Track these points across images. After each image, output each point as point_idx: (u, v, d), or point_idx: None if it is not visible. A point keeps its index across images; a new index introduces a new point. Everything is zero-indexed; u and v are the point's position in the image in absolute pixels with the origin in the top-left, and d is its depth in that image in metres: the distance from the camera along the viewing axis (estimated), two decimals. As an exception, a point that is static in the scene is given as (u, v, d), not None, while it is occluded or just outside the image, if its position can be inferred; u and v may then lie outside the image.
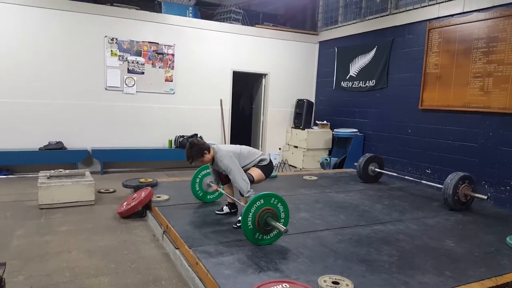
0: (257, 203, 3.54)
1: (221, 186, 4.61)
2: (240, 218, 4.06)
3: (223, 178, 4.42)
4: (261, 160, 4.32)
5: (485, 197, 5.09)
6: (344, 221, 4.51)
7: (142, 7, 8.01)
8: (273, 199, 3.64)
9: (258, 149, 9.38)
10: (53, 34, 7.05)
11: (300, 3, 9.63)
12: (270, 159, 4.42)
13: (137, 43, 7.71)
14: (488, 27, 5.81)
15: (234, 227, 4.03)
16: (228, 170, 4.01)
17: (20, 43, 6.83)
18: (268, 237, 3.65)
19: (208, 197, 5.00)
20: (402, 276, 3.11)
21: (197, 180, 4.89)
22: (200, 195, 4.95)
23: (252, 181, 4.05)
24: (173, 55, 8.05)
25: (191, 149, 4.05)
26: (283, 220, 3.70)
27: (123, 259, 3.64)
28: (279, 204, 3.67)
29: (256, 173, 4.21)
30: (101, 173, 7.35)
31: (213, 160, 4.18)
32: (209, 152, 4.10)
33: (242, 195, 3.96)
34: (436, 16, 6.58)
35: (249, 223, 3.53)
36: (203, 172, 4.89)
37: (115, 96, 7.65)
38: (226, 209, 4.53)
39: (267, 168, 4.33)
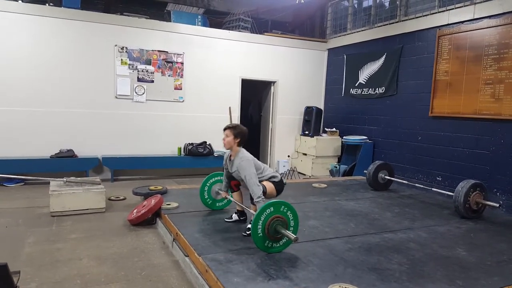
0: (267, 211, 3.54)
1: (230, 193, 4.62)
2: (249, 225, 4.07)
3: (233, 186, 4.43)
4: (273, 177, 4.25)
5: (497, 205, 5.03)
6: (354, 229, 4.48)
7: (152, 16, 8.11)
8: (282, 207, 3.64)
9: (267, 156, 9.42)
10: (64, 43, 7.16)
11: (309, 10, 9.67)
12: (281, 178, 4.36)
13: (147, 51, 7.79)
14: (499, 33, 5.78)
15: (244, 235, 4.03)
16: (244, 172, 3.99)
17: (31, 53, 6.95)
18: (278, 245, 3.65)
19: (217, 204, 5.01)
20: (412, 285, 3.08)
21: (206, 188, 4.90)
22: (209, 202, 4.96)
23: (264, 192, 4.01)
24: (182, 63, 8.12)
25: (236, 126, 4.23)
26: (292, 228, 3.69)
27: (133, 266, 3.66)
28: (289, 212, 3.67)
29: (269, 186, 4.14)
30: (111, 181, 7.41)
31: (230, 157, 4.24)
32: (238, 142, 4.14)
33: (252, 203, 3.96)
34: (446, 23, 6.56)
35: (259, 230, 3.53)
36: (211, 180, 4.91)
37: (125, 104, 7.73)
38: (235, 216, 4.54)
39: (278, 185, 4.26)
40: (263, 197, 3.90)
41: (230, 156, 4.27)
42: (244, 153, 4.16)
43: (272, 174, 4.27)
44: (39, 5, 7.07)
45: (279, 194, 4.28)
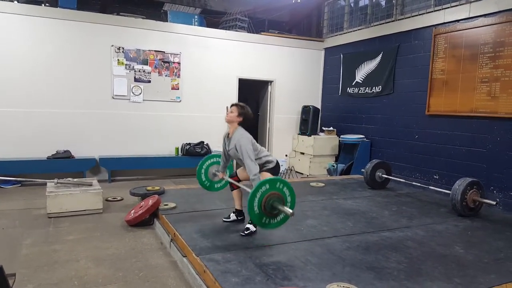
0: (262, 188, 3.50)
1: (227, 173, 4.59)
2: (247, 225, 4.09)
3: (233, 185, 4.42)
4: (267, 162, 4.23)
5: (494, 203, 5.04)
6: (352, 228, 4.49)
7: (148, 16, 8.10)
8: (278, 183, 3.59)
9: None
10: (60, 44, 7.14)
11: (306, 10, 9.68)
12: (276, 160, 4.35)
13: (144, 51, 7.77)
14: (495, 32, 5.80)
15: (242, 235, 4.03)
16: (241, 148, 3.99)
17: (27, 54, 6.92)
18: (275, 221, 3.62)
19: (215, 186, 4.92)
20: (410, 283, 3.09)
21: (203, 171, 4.82)
22: (207, 185, 4.86)
23: None
24: (179, 63, 8.11)
25: (244, 106, 4.26)
26: (289, 204, 3.64)
27: (131, 267, 3.65)
28: (285, 188, 3.62)
29: (265, 175, 4.12)
30: (108, 181, 7.39)
31: (228, 135, 4.26)
32: (240, 121, 4.17)
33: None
34: (442, 22, 6.58)
35: (256, 207, 3.49)
36: (208, 162, 4.81)
37: (122, 104, 7.71)
38: (233, 216, 4.53)
39: (274, 171, 4.27)
40: (259, 175, 3.89)
41: (228, 134, 4.28)
42: (243, 131, 4.18)
43: (268, 158, 4.26)
44: (35, 6, 7.04)
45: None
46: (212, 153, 8.07)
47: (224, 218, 4.56)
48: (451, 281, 3.16)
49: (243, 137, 4.08)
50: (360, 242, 4.01)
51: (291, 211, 3.47)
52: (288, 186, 3.66)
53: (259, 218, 3.55)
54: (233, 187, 4.47)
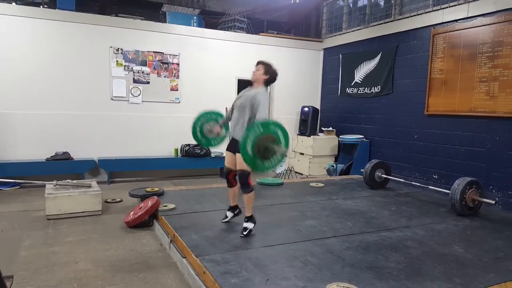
0: (256, 130, 3.46)
1: (225, 127, 4.58)
2: (245, 225, 4.07)
3: (231, 180, 4.38)
4: None
5: (493, 202, 5.04)
6: (351, 228, 4.48)
7: (147, 18, 8.09)
8: (272, 126, 3.56)
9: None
10: (59, 45, 7.14)
11: (304, 10, 9.67)
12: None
13: (142, 53, 7.77)
14: (493, 31, 5.81)
15: (241, 236, 4.01)
16: (258, 103, 3.93)
17: (26, 55, 6.92)
18: (269, 164, 3.59)
19: (213, 142, 4.89)
20: (410, 283, 3.09)
21: (198, 129, 4.79)
22: (204, 141, 4.85)
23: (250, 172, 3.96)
24: (178, 64, 8.11)
25: (271, 65, 4.25)
26: (283, 145, 3.60)
27: (130, 269, 3.65)
28: (279, 130, 3.58)
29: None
30: (107, 183, 7.38)
31: (249, 89, 4.21)
32: (266, 80, 4.15)
33: (244, 192, 3.99)
34: (441, 22, 6.59)
35: (249, 150, 3.44)
36: (201, 121, 4.78)
37: (121, 106, 7.71)
38: (229, 214, 4.51)
39: None
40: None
41: (251, 88, 4.20)
42: (266, 91, 4.15)
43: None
44: (33, 7, 7.04)
45: None
46: (213, 156, 8.13)
47: (222, 220, 4.53)
48: (451, 280, 3.16)
49: (265, 94, 4.06)
50: (360, 242, 4.01)
51: (285, 148, 3.43)
52: (282, 129, 3.60)
53: (253, 161, 3.49)
54: (230, 182, 4.41)
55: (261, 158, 3.51)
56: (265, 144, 3.46)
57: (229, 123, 4.41)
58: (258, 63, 4.24)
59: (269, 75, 4.15)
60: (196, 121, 4.74)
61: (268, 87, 4.34)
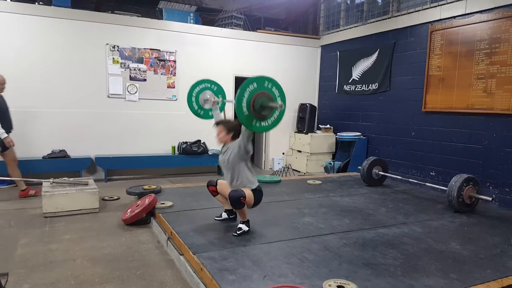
0: (250, 86, 3.34)
1: (220, 101, 4.54)
2: (240, 225, 4.04)
3: (212, 192, 4.42)
4: (253, 183, 3.95)
5: (490, 199, 5.06)
6: (349, 225, 4.49)
7: (143, 14, 8.06)
8: (266, 82, 3.44)
9: (262, 154, 9.41)
10: (54, 42, 7.10)
11: (302, 7, 9.66)
12: (261, 188, 4.03)
13: (139, 50, 7.74)
14: (491, 28, 5.81)
15: (234, 235, 3.97)
16: (237, 142, 3.83)
17: (21, 52, 6.88)
18: (266, 124, 3.49)
19: (210, 114, 4.86)
20: (407, 279, 3.09)
21: (193, 99, 4.73)
22: (200, 113, 4.80)
23: (243, 197, 3.76)
24: (175, 61, 8.08)
25: (228, 121, 4.20)
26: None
27: (128, 266, 3.64)
28: (274, 87, 3.48)
29: (248, 192, 3.86)
30: (105, 181, 7.37)
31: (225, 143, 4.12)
32: (232, 136, 4.00)
33: (236, 208, 3.87)
34: (438, 18, 6.58)
35: (244, 108, 3.31)
36: (197, 89, 4.75)
37: (117, 103, 7.68)
38: (224, 215, 4.50)
39: (257, 193, 3.96)
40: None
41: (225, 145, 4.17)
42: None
43: (256, 180, 4.04)
44: (28, 4, 6.99)
45: (257, 205, 4.05)
46: (210, 154, 8.12)
47: (216, 217, 4.52)
48: (448, 276, 3.17)
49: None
50: (357, 238, 4.01)
51: (280, 103, 3.32)
52: (277, 86, 3.50)
53: (249, 120, 3.39)
54: (213, 194, 4.43)
55: (257, 117, 3.39)
56: (260, 102, 3.34)
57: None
58: (217, 123, 4.13)
59: (233, 131, 4.00)
60: (191, 90, 4.68)
61: None
